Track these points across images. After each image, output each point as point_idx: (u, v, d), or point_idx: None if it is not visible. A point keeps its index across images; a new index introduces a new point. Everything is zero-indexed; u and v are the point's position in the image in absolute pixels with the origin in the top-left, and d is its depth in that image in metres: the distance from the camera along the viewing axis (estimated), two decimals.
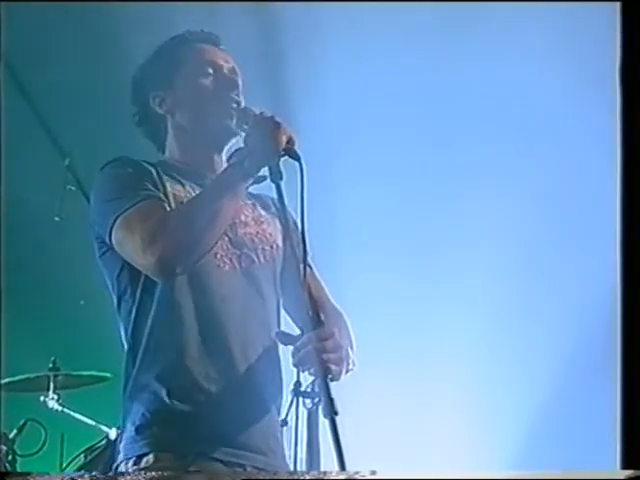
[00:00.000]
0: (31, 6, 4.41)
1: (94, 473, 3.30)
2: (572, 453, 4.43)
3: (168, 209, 2.20)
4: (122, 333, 2.28)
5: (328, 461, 1.99)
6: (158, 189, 2.24)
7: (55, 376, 4.22)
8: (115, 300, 2.29)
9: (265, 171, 2.15)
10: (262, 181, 2.16)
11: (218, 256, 2.26)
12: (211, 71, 2.36)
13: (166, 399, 2.17)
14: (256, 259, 2.33)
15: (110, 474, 2.28)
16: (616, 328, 3.41)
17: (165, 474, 2.09)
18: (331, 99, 4.78)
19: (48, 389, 4.20)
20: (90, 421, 4.10)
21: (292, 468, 2.12)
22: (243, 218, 2.34)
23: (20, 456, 3.96)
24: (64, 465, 4.08)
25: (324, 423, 1.88)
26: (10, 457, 3.91)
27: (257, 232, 2.37)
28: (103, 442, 3.86)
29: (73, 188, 4.14)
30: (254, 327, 2.28)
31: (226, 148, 2.39)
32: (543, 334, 4.76)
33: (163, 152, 2.43)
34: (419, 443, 4.68)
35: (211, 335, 2.22)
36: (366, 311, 4.61)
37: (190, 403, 2.17)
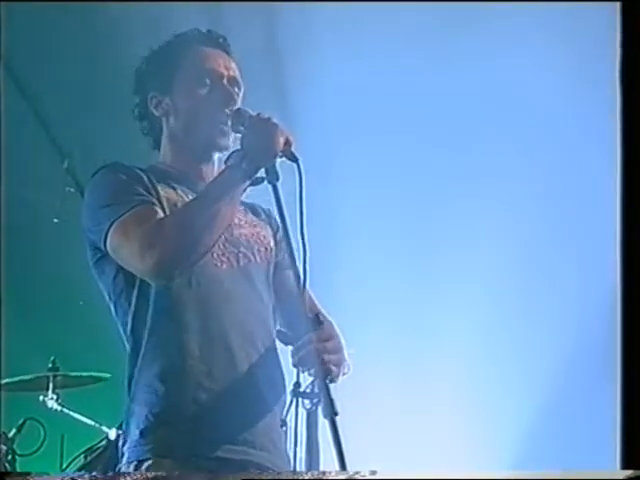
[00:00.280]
0: (31, 6, 4.40)
1: (94, 473, 3.30)
2: (572, 453, 4.43)
3: (162, 214, 2.19)
4: (122, 335, 2.28)
5: (328, 461, 1.99)
6: (151, 194, 2.23)
7: (54, 376, 4.22)
8: (112, 304, 2.28)
9: (262, 172, 2.15)
10: (260, 183, 2.16)
11: (215, 255, 2.26)
12: (209, 81, 2.34)
13: (169, 400, 2.17)
14: (252, 258, 2.33)
15: (110, 474, 2.28)
16: (616, 328, 3.41)
17: (166, 475, 2.09)
18: (330, 99, 4.78)
19: (47, 389, 4.20)
20: (90, 421, 4.10)
21: (292, 468, 2.12)
22: (237, 221, 2.34)
23: (20, 455, 3.96)
24: (64, 465, 4.08)
25: (324, 423, 1.88)
26: (10, 457, 3.91)
27: (252, 234, 2.37)
28: (103, 442, 3.86)
29: (72, 190, 4.14)
30: (253, 325, 2.28)
31: (215, 160, 2.39)
32: (543, 334, 4.76)
33: (159, 150, 2.43)
34: (419, 443, 4.68)
35: (211, 334, 2.22)
36: (366, 311, 4.62)
37: (193, 403, 2.17)
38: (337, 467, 1.87)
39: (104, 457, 3.78)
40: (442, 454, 4.68)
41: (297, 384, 1.93)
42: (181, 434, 2.15)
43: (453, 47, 4.70)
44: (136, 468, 2.14)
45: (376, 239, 4.86)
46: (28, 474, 2.43)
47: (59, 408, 4.18)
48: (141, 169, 2.32)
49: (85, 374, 4.32)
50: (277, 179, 2.10)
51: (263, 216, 2.47)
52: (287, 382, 2.24)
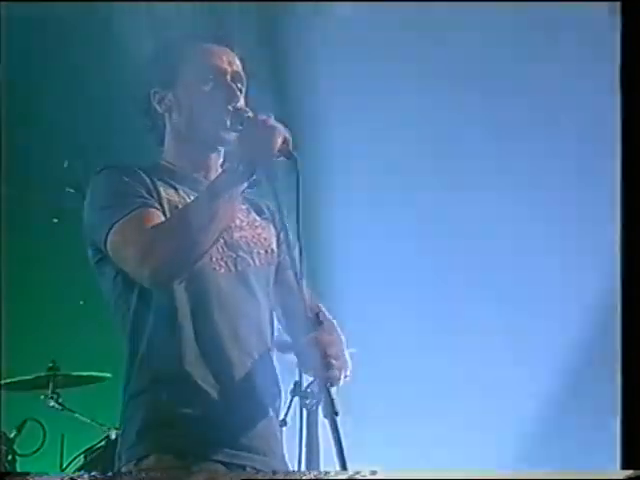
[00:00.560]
0: (31, 6, 4.40)
1: (94, 473, 3.30)
2: (572, 453, 4.43)
3: (162, 217, 2.19)
4: (122, 336, 2.28)
5: (328, 461, 1.99)
6: (152, 196, 2.23)
7: (55, 376, 4.22)
8: (112, 305, 2.28)
9: (260, 173, 2.14)
10: (257, 185, 2.16)
11: (214, 259, 2.25)
12: (211, 77, 2.33)
13: (165, 402, 2.17)
14: (251, 262, 2.32)
15: (110, 474, 2.28)
16: (616, 328, 3.41)
17: (165, 475, 2.09)
18: (329, 99, 4.78)
19: (48, 389, 4.20)
20: (90, 421, 4.10)
21: (292, 468, 2.12)
22: (238, 222, 2.34)
23: (20, 456, 3.96)
24: (64, 465, 4.09)
25: (324, 423, 1.88)
26: (10, 457, 3.91)
27: (252, 236, 2.36)
28: (103, 442, 3.87)
29: (72, 190, 4.14)
30: (250, 329, 2.28)
31: (221, 156, 2.38)
32: (543, 334, 4.76)
33: (162, 146, 2.42)
34: (419, 443, 4.68)
35: (208, 338, 2.21)
36: (366, 311, 4.62)
37: (189, 406, 2.17)
38: (337, 467, 1.87)
39: (104, 457, 3.79)
40: (442, 454, 4.68)
41: (297, 384, 1.92)
42: (178, 434, 2.15)
43: (453, 46, 4.70)
44: (136, 466, 2.13)
45: (376, 238, 4.86)
46: (28, 474, 2.43)
47: (59, 408, 4.18)
48: (143, 168, 2.31)
49: (85, 374, 4.32)
50: (275, 179, 2.09)
51: (266, 214, 2.45)
52: (282, 386, 2.24)
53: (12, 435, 3.95)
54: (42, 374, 4.23)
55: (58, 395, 4.20)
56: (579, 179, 4.72)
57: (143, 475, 2.10)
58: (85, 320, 4.62)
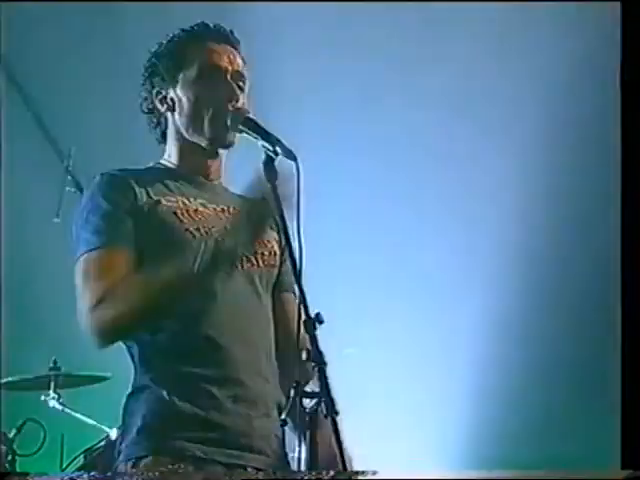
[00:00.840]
0: (31, 6, 4.41)
1: (94, 473, 3.29)
2: (572, 453, 4.43)
3: (130, 256, 2.16)
4: None
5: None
6: (138, 221, 2.19)
7: (56, 376, 4.22)
8: None
9: (262, 171, 2.12)
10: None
11: None
12: (212, 77, 2.32)
13: (167, 401, 2.16)
14: (255, 262, 2.31)
15: (110, 474, 2.27)
16: (616, 328, 3.41)
17: (164, 476, 2.09)
18: (329, 101, 4.78)
19: (48, 389, 4.19)
20: (90, 421, 4.10)
21: (292, 468, 2.11)
22: None
23: (20, 456, 3.95)
24: (64, 465, 4.08)
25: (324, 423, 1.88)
26: (10, 457, 3.90)
27: None
28: (103, 442, 3.86)
29: (72, 190, 4.13)
30: (253, 327, 2.27)
31: (222, 156, 2.37)
32: (543, 334, 4.76)
33: (165, 143, 2.41)
34: (420, 443, 4.68)
35: (211, 335, 2.21)
36: (366, 311, 4.62)
37: (191, 404, 2.17)
38: (338, 467, 1.87)
39: (104, 457, 3.78)
40: (443, 454, 4.68)
41: (298, 383, 1.92)
42: (179, 433, 2.14)
43: (453, 47, 4.71)
44: (134, 466, 2.13)
45: (376, 239, 4.86)
46: (28, 474, 2.43)
47: (60, 408, 4.18)
48: (142, 172, 2.30)
49: (86, 374, 4.32)
50: (276, 179, 2.08)
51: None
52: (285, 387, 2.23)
53: (12, 435, 3.94)
54: (43, 374, 4.23)
55: (59, 395, 4.20)
56: (579, 178, 4.72)
57: (143, 476, 2.10)
58: None
